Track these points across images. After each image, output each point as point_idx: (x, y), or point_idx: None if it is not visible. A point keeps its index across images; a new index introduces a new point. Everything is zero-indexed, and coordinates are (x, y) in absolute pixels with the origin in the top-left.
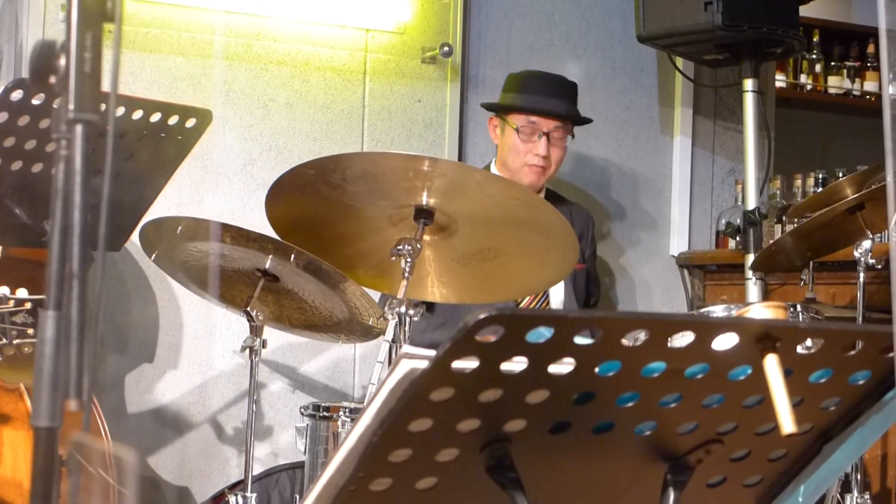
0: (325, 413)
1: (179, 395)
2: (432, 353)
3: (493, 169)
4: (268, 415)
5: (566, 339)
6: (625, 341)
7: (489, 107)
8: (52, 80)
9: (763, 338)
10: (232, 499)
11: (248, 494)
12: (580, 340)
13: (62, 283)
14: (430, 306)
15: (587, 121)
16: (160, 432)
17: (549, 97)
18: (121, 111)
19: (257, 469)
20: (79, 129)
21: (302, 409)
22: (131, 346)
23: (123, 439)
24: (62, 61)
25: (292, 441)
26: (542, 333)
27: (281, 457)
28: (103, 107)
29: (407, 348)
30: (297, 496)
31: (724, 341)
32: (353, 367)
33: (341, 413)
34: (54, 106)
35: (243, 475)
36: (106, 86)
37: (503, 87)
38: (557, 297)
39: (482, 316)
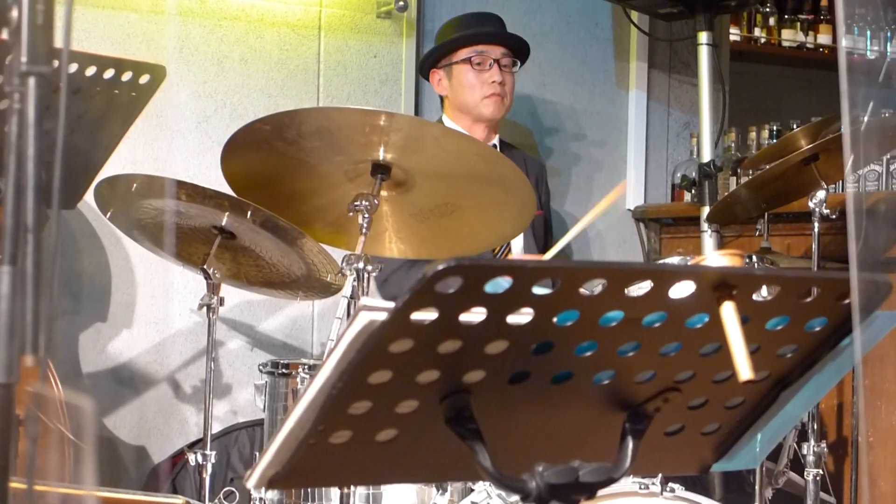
0: (283, 370)
1: (136, 354)
2: (391, 304)
3: (447, 122)
4: (226, 373)
5: (524, 289)
6: (583, 291)
7: (433, 52)
8: (4, 34)
9: (720, 285)
10: (191, 457)
11: (208, 452)
12: (538, 290)
13: (17, 238)
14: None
15: (526, 47)
16: (117, 392)
17: (488, 27)
18: (73, 67)
19: (216, 427)
20: (32, 81)
21: (260, 367)
22: (85, 306)
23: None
24: (14, 14)
25: (251, 399)
26: (500, 284)
27: (240, 414)
28: (56, 63)
29: (365, 300)
30: (257, 454)
31: (681, 289)
32: (311, 323)
33: (300, 370)
34: (6, 63)
35: (202, 434)
36: (58, 42)
37: (437, 38)
38: (517, 245)
39: (441, 267)
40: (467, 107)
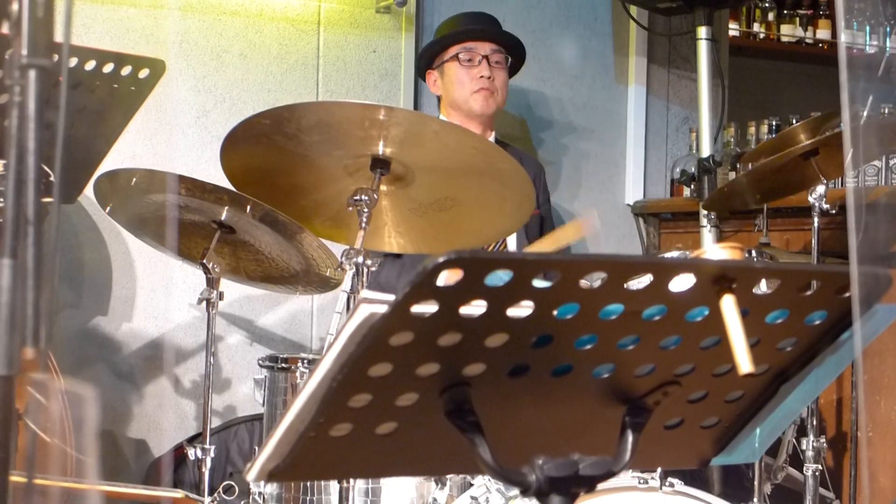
0: (283, 364)
1: (136, 348)
2: (391, 297)
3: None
4: (225, 367)
5: (525, 282)
6: (583, 283)
7: (425, 52)
8: (5, 28)
9: (720, 278)
10: (190, 451)
11: (207, 447)
12: (538, 283)
13: (17, 230)
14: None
15: (520, 46)
16: (117, 386)
17: (478, 25)
18: (73, 62)
19: (216, 422)
20: (32, 74)
21: (260, 361)
22: (85, 300)
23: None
24: (14, 6)
25: (250, 393)
26: (500, 277)
27: (239, 409)
28: (56, 57)
29: (366, 293)
30: (256, 448)
31: (681, 282)
32: (310, 318)
33: (299, 364)
34: (6, 57)
35: (201, 428)
36: (59, 36)
37: (434, 36)
38: (512, 243)
39: (441, 259)
40: (457, 103)
